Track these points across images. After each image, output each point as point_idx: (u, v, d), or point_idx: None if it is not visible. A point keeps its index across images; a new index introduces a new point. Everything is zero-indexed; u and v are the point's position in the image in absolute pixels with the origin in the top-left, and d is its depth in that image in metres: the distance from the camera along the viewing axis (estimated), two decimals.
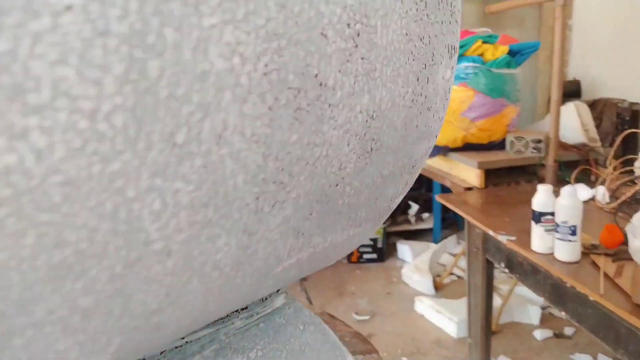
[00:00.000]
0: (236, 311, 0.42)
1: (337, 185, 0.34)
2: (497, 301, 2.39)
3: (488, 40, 2.25)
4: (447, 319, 2.36)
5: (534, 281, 1.51)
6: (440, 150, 2.35)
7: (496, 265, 1.81)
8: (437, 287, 2.77)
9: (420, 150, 0.41)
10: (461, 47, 2.24)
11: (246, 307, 0.43)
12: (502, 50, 2.20)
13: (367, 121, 0.33)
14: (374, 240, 3.09)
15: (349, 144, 0.32)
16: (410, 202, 3.51)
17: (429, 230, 3.43)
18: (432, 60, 0.37)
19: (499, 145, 2.33)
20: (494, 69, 2.22)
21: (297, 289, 2.62)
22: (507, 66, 2.22)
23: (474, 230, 1.90)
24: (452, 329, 2.32)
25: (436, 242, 3.29)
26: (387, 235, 3.24)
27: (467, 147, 2.34)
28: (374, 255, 3.12)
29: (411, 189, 3.52)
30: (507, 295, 2.40)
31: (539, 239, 1.41)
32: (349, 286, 2.85)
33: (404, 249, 3.19)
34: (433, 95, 0.39)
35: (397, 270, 2.99)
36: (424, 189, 3.52)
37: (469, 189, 2.23)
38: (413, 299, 2.60)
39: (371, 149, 0.35)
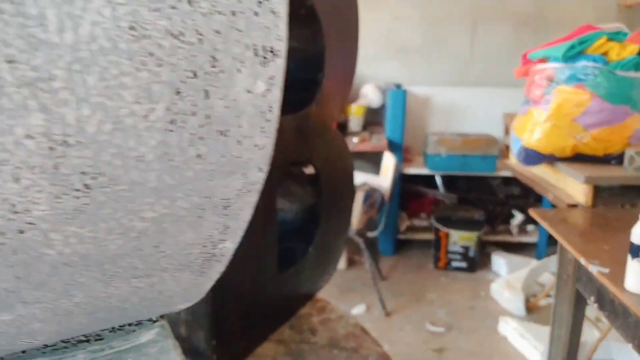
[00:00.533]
0: (86, 341, 0.36)
1: (22, 232, 0.26)
2: (594, 334, 2.10)
3: (615, 37, 1.95)
4: (531, 346, 2.13)
5: (623, 324, 1.29)
6: (543, 159, 2.10)
7: (585, 297, 1.57)
8: (530, 308, 2.51)
9: (232, 187, 0.31)
10: (581, 43, 1.97)
11: (102, 338, 0.37)
12: (630, 50, 1.89)
13: (53, 148, 0.25)
14: (466, 248, 2.88)
15: (18, 179, 0.25)
16: (515, 211, 3.21)
17: (533, 244, 3.13)
18: (214, 66, 0.27)
19: (618, 159, 2.03)
20: (619, 70, 1.92)
21: (370, 288, 2.52)
22: (635, 68, 1.91)
23: (566, 254, 1.67)
24: (536, 358, 2.09)
25: (539, 258, 2.98)
26: (482, 244, 3.00)
27: (578, 158, 2.06)
28: (464, 264, 2.91)
29: (517, 197, 3.25)
30: (607, 330, 2.09)
31: (635, 277, 1.19)
32: (429, 293, 2.68)
33: (499, 261, 2.93)
34: (229, 114, 0.29)
35: (486, 283, 2.76)
36: (531, 197, 3.20)
37: (573, 205, 1.98)
38: (498, 318, 2.38)
39: (87, 186, 0.26)
